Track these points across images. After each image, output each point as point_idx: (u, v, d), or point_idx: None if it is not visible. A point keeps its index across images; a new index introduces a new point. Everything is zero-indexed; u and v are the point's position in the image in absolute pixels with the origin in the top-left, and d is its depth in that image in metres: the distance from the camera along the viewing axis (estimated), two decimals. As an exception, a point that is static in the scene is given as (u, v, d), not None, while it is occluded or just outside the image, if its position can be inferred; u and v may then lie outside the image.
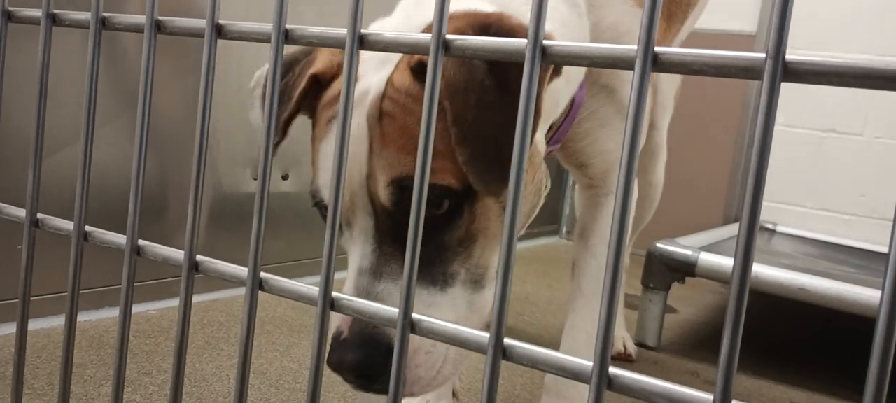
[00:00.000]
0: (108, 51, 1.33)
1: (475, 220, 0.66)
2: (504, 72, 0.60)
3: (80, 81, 1.26)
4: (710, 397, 0.32)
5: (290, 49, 0.59)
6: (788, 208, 2.46)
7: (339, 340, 0.62)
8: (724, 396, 0.31)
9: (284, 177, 1.71)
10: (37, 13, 0.58)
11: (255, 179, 1.68)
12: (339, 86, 0.69)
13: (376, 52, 0.46)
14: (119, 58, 1.36)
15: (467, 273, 0.67)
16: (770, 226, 2.39)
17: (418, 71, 0.65)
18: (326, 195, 0.68)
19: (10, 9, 0.60)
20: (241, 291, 1.61)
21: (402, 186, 0.63)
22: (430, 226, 0.63)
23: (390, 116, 0.64)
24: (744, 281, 0.30)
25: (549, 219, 2.89)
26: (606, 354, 0.34)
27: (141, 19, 0.51)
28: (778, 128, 2.39)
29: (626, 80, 0.88)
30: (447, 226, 0.65)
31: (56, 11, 0.57)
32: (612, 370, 0.34)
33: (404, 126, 0.64)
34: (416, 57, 0.65)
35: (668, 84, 1.44)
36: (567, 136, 0.92)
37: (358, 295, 0.60)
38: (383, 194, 0.64)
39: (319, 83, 0.72)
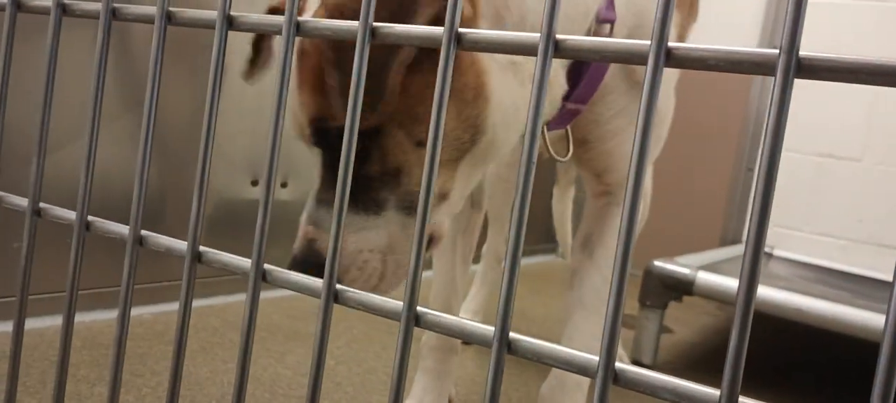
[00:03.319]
0: (115, 52, 1.33)
1: (389, 154, 0.68)
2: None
3: (85, 79, 1.26)
4: (717, 392, 0.32)
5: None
6: (786, 232, 2.46)
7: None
8: (731, 391, 0.31)
9: (283, 185, 1.71)
10: (47, 3, 0.58)
11: (255, 185, 1.68)
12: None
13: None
14: (125, 59, 1.36)
15: (397, 199, 0.70)
16: (768, 250, 2.39)
17: (333, 10, 0.64)
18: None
19: (21, -2, 0.60)
20: (237, 297, 1.61)
21: (318, 127, 0.67)
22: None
23: (307, 55, 0.66)
24: (756, 258, 0.30)
25: (545, 237, 2.88)
26: (614, 347, 0.34)
27: (152, 10, 0.51)
28: (776, 153, 2.39)
29: (665, 80, 0.87)
30: (366, 161, 0.68)
31: (66, 1, 0.57)
32: (619, 365, 0.34)
33: (315, 66, 0.65)
34: None
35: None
36: (593, 136, 0.88)
37: (308, 223, 0.73)
38: (306, 134, 0.69)
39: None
